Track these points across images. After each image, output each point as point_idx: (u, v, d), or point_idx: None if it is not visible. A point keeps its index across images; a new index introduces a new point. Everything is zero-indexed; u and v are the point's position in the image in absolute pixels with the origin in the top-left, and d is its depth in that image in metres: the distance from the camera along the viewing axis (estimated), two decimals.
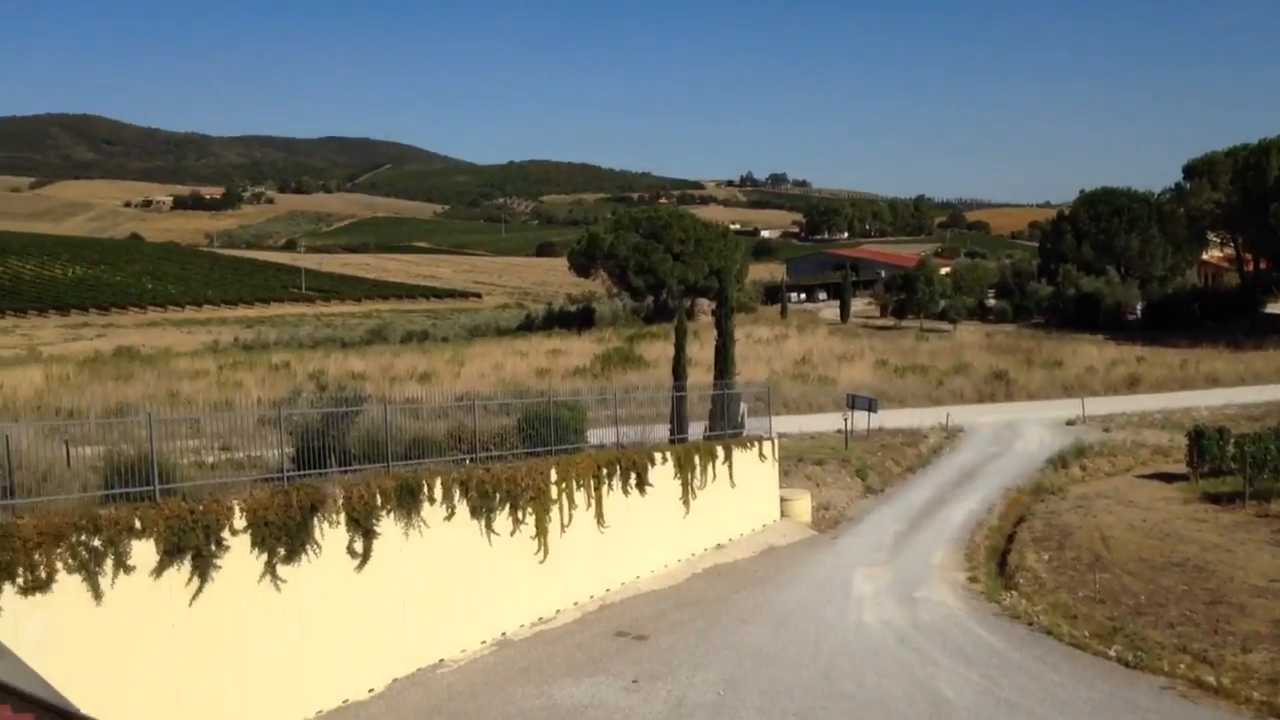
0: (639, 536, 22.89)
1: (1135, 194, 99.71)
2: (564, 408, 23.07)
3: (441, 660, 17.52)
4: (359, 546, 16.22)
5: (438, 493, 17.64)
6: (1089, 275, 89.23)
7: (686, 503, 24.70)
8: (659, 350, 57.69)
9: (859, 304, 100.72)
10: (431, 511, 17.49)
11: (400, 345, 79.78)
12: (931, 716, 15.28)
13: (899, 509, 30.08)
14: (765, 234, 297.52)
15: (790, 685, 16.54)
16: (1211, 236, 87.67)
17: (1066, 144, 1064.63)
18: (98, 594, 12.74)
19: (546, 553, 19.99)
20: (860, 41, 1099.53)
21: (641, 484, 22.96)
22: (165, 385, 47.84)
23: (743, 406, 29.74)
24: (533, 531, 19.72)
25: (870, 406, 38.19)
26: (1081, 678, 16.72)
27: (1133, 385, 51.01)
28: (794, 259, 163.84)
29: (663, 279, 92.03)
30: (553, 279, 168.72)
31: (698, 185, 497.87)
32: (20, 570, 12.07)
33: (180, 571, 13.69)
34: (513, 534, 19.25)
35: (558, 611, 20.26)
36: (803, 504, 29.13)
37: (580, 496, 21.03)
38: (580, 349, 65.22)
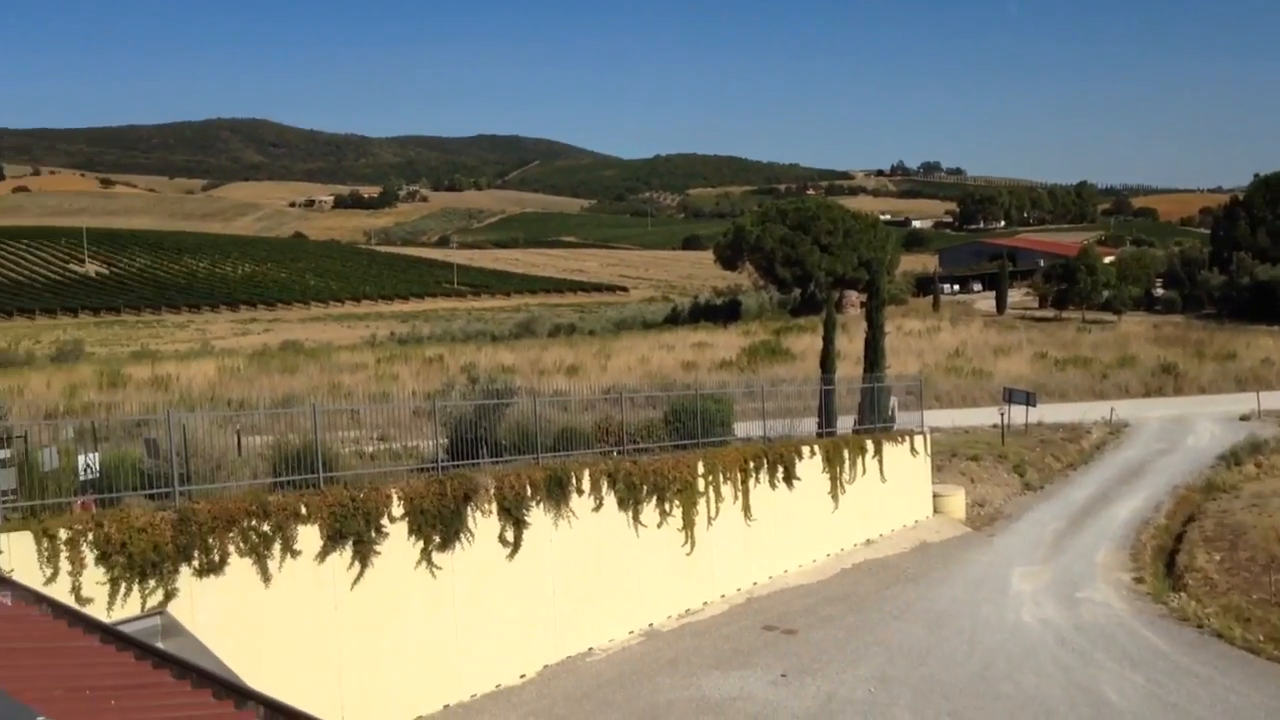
0: (786, 530, 22.67)
1: None
2: (710, 400, 23.03)
3: (590, 649, 17.71)
4: (510, 535, 16.53)
5: (586, 484, 17.84)
6: (1265, 263, 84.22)
7: (835, 497, 24.34)
8: (806, 343, 57.07)
9: (1016, 295, 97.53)
10: (580, 502, 17.69)
11: (548, 339, 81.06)
12: None
13: (1059, 506, 29.01)
14: (917, 224, 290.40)
15: (944, 684, 16.12)
16: None
17: (1239, 125, 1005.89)
18: (266, 576, 13.35)
19: (693, 545, 19.99)
20: (1018, 22, 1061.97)
21: (789, 478, 22.73)
22: (327, 378, 49.77)
23: (893, 400, 29.14)
24: (679, 524, 19.75)
25: (1028, 400, 36.89)
26: (1255, 684, 15.81)
27: None
28: (947, 249, 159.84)
29: (810, 271, 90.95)
30: (698, 272, 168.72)
31: (846, 175, 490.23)
32: (196, 553, 12.74)
33: (342, 556, 14.22)
34: (659, 526, 19.31)
35: (705, 604, 20.23)
36: (957, 500, 28.38)
37: (727, 490, 20.95)
38: (726, 342, 65.05)
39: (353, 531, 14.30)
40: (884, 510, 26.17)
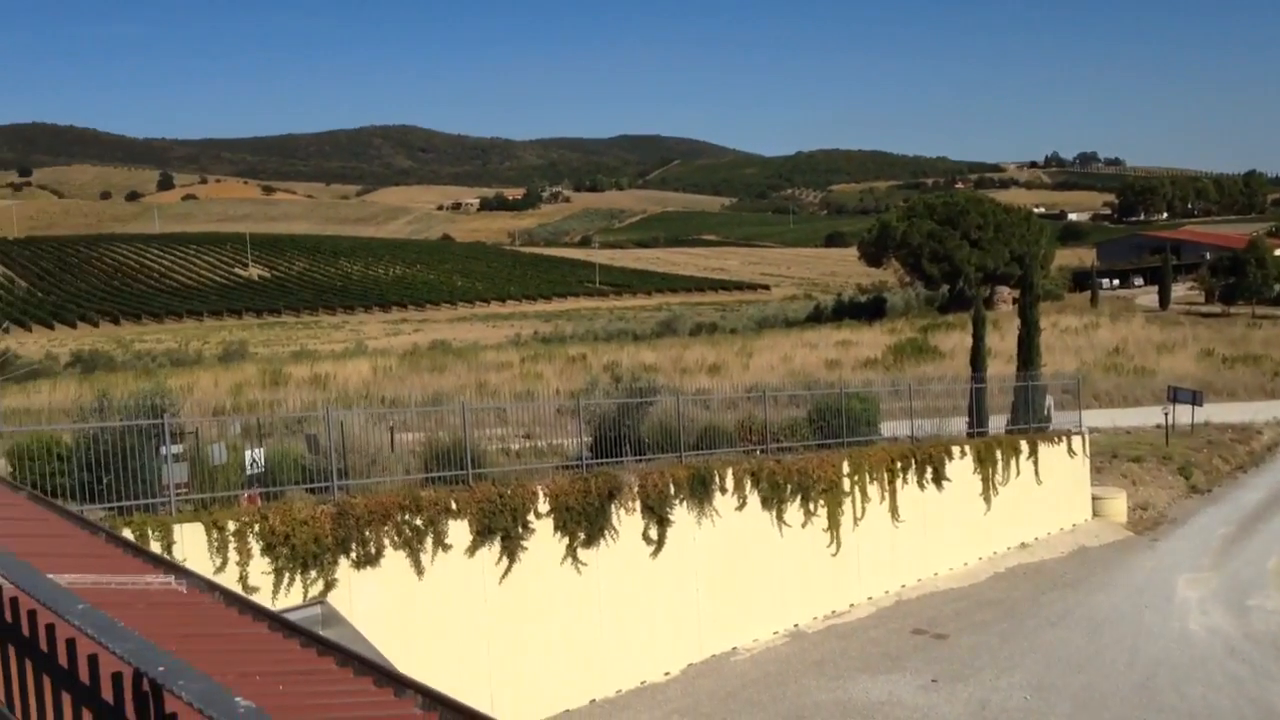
0: (936, 532, 22.11)
1: None
2: (856, 399, 22.66)
3: (735, 648, 17.62)
4: (653, 533, 16.58)
5: (729, 483, 17.76)
6: None
7: (987, 499, 23.63)
8: (955, 340, 55.63)
9: (1180, 289, 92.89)
10: (723, 501, 17.63)
11: (689, 337, 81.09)
12: None
13: (1228, 510, 27.49)
14: (1072, 217, 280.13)
15: (1105, 694, 15.46)
16: None
17: None
18: (419, 569, 13.73)
19: (839, 546, 19.69)
20: (1177, 2, 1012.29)
21: (939, 478, 22.17)
22: (474, 376, 50.92)
23: (1049, 399, 28.11)
24: (824, 524, 19.48)
25: (1194, 400, 35.05)
26: None
27: None
28: (1105, 243, 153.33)
29: (959, 267, 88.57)
30: (842, 269, 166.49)
31: (997, 168, 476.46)
32: (353, 545, 13.19)
33: (491, 551, 14.51)
34: (804, 526, 19.09)
35: (851, 606, 19.90)
36: (1118, 503, 27.19)
37: (873, 490, 20.57)
38: (871, 340, 63.92)
39: (500, 527, 14.58)
40: (1039, 513, 25.27)
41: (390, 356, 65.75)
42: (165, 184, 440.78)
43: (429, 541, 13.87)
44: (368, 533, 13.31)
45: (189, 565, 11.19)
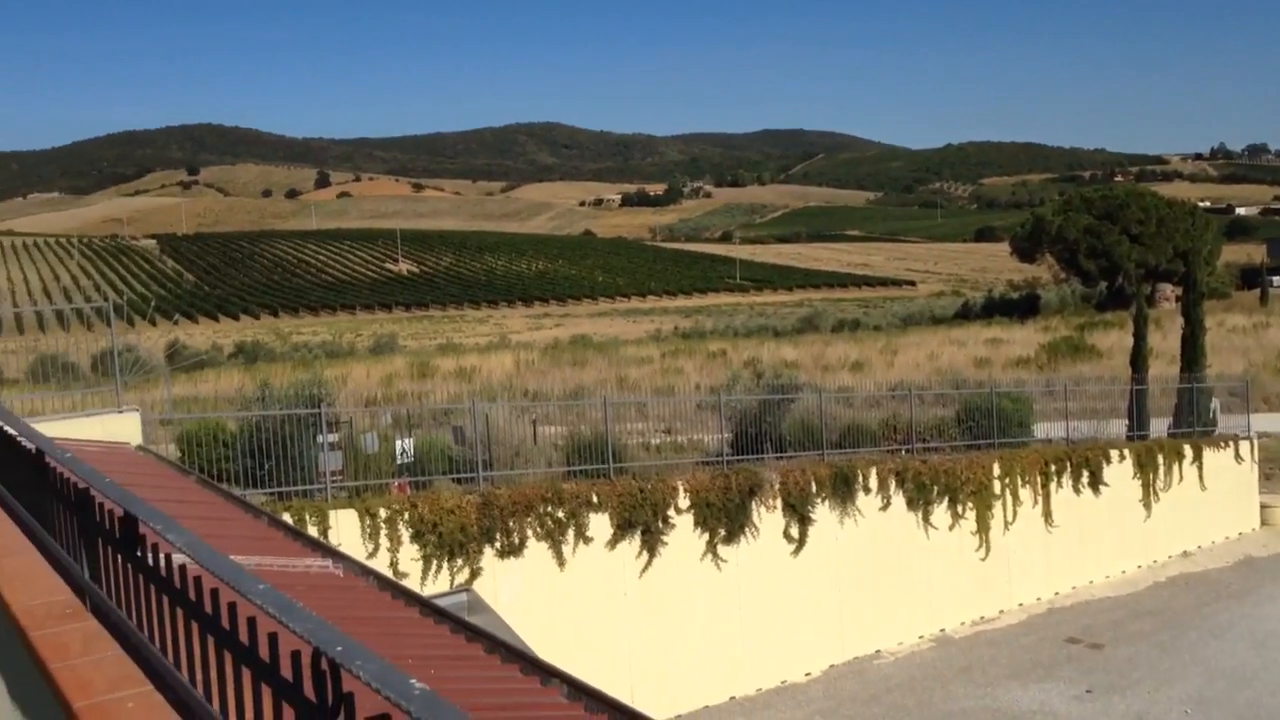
0: (1092, 539, 21.24)
1: None
2: (1007, 399, 21.96)
3: (878, 651, 17.29)
4: (794, 532, 16.40)
5: (873, 482, 17.43)
6: None
7: (1147, 505, 22.58)
8: (1113, 340, 53.39)
9: None
10: (867, 501, 17.31)
11: (831, 334, 79.99)
12: None
13: None
14: (1240, 211, 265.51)
15: (1272, 711, 14.59)
16: None
17: None
18: (561, 560, 13.90)
19: (988, 550, 19.10)
20: None
21: (1095, 483, 21.29)
22: (615, 371, 51.31)
23: (1214, 402, 26.71)
24: (973, 527, 18.93)
25: None
26: None
27: None
28: (1276, 238, 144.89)
29: (1118, 263, 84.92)
30: (992, 265, 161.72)
31: (1159, 160, 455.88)
32: (498, 535, 13.44)
33: (631, 545, 14.58)
34: (951, 529, 18.59)
35: (1000, 612, 19.29)
36: None
37: (1025, 493, 19.88)
38: (1023, 338, 61.86)
39: (641, 521, 14.64)
40: (1203, 521, 24.02)
41: (533, 350, 66.86)
42: (322, 182, 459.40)
43: (570, 533, 14.03)
44: (511, 523, 13.55)
45: (344, 550, 11.60)
